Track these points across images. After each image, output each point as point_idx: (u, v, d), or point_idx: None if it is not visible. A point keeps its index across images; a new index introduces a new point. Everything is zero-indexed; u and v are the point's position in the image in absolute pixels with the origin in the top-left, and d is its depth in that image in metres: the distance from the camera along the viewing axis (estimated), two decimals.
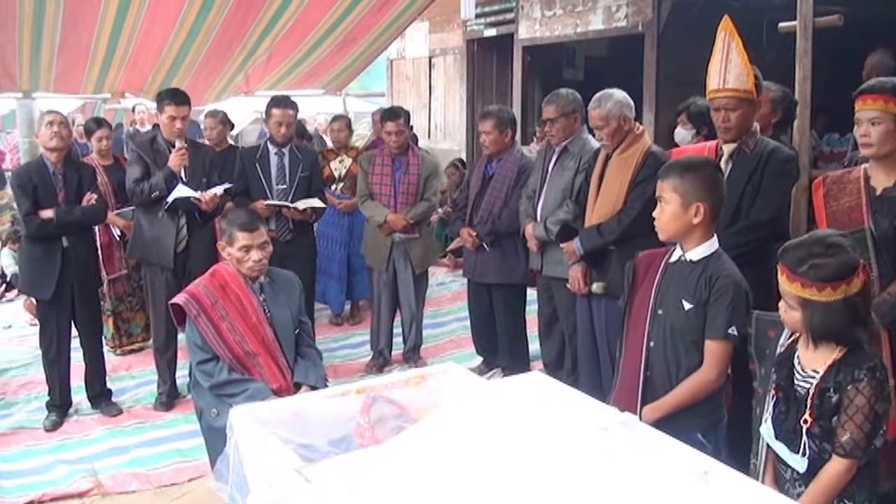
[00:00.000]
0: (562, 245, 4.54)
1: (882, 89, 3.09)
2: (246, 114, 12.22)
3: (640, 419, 2.69)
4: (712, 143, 3.82)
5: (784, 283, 2.37)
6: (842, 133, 7.07)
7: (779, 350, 2.55)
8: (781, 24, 4.55)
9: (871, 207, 3.12)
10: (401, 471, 1.92)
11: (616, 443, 1.97)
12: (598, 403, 2.24)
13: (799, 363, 2.45)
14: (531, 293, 5.58)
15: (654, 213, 2.89)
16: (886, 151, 3.09)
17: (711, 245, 2.85)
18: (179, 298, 3.62)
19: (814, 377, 2.37)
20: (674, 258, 2.92)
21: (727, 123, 3.61)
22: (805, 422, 2.35)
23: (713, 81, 3.62)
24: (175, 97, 5.10)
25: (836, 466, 2.32)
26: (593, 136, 4.61)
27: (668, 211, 2.82)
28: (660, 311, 2.89)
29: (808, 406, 2.35)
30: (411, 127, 6.00)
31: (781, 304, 2.42)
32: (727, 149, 3.68)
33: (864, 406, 2.27)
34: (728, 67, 3.54)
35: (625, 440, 1.98)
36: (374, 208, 5.75)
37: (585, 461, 1.90)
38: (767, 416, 2.50)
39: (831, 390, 2.32)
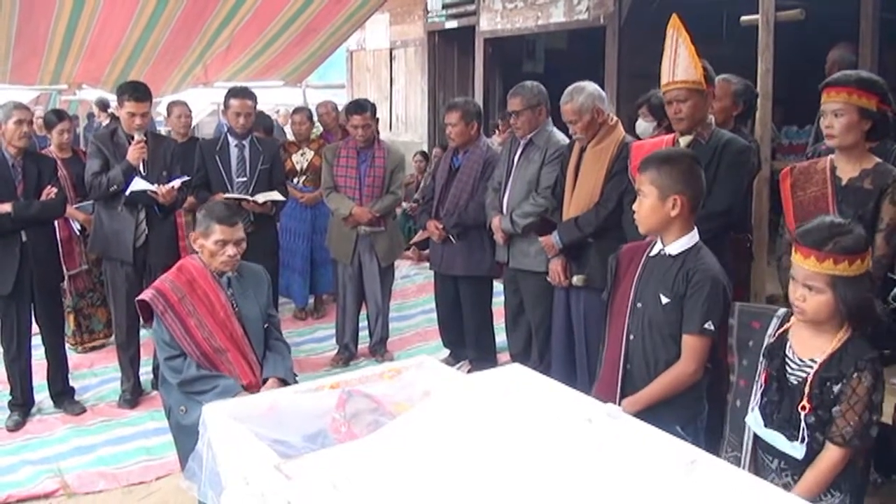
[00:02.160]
0: (540, 239, 4.54)
1: (846, 82, 3.17)
2: (203, 105, 12.08)
3: None
4: (670, 137, 3.86)
5: (811, 266, 2.33)
6: (800, 125, 7.16)
7: (767, 340, 2.55)
8: (744, 18, 4.58)
9: (836, 197, 3.20)
10: (386, 465, 1.91)
11: (602, 434, 1.98)
12: (580, 395, 2.24)
13: (792, 352, 2.46)
14: (497, 285, 5.60)
15: (634, 206, 2.89)
16: (850, 142, 3.16)
17: (691, 238, 2.85)
18: (146, 294, 3.54)
19: (811, 366, 2.38)
20: (654, 252, 2.92)
21: (679, 114, 3.67)
22: (803, 408, 2.36)
23: (664, 76, 3.70)
24: (135, 93, 4.95)
25: (833, 455, 2.34)
26: (565, 130, 4.60)
27: (647, 204, 2.82)
28: (639, 305, 2.90)
29: (806, 394, 2.36)
30: (377, 120, 5.96)
31: (798, 293, 2.38)
32: (683, 141, 3.73)
33: (865, 396, 2.30)
34: (676, 61, 3.61)
35: (611, 431, 1.99)
36: (340, 201, 5.70)
37: (573, 452, 1.91)
38: (755, 405, 2.52)
39: (833, 380, 2.34)
